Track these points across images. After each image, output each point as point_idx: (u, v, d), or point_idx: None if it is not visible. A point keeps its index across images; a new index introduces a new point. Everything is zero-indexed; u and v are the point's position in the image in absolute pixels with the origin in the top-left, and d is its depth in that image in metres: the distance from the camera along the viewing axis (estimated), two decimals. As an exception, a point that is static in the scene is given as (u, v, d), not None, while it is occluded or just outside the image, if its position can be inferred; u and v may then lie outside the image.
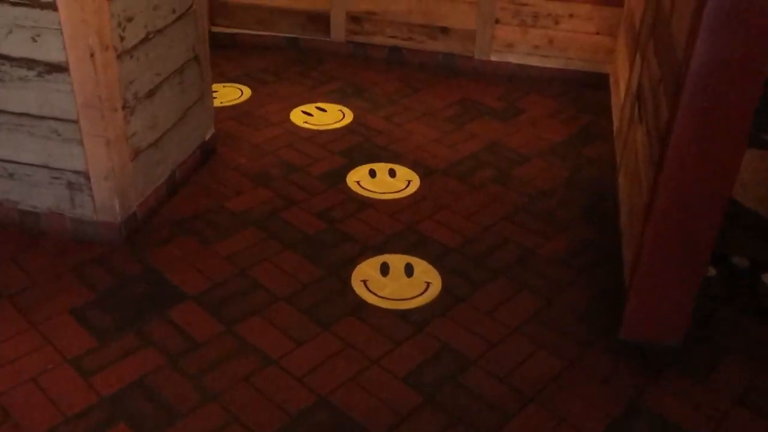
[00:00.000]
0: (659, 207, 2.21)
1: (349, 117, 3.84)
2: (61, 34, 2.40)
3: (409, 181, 3.28)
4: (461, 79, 4.32)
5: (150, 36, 2.73)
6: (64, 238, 2.79)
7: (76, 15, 2.36)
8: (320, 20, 4.49)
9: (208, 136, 3.34)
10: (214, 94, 3.98)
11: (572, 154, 3.57)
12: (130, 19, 2.58)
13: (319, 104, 3.96)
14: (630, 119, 3.07)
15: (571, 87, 4.25)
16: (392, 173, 3.34)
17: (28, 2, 2.38)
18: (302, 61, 4.48)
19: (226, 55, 4.53)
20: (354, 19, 4.43)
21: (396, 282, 2.65)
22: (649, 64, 2.75)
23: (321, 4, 4.44)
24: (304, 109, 3.89)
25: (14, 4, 2.40)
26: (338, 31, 4.49)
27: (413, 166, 3.40)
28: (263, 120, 3.77)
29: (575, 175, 3.38)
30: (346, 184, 3.23)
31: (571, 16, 4.13)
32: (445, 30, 4.34)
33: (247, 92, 4.08)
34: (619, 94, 3.66)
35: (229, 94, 4.04)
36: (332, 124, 3.75)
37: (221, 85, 4.14)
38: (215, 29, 4.62)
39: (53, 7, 2.37)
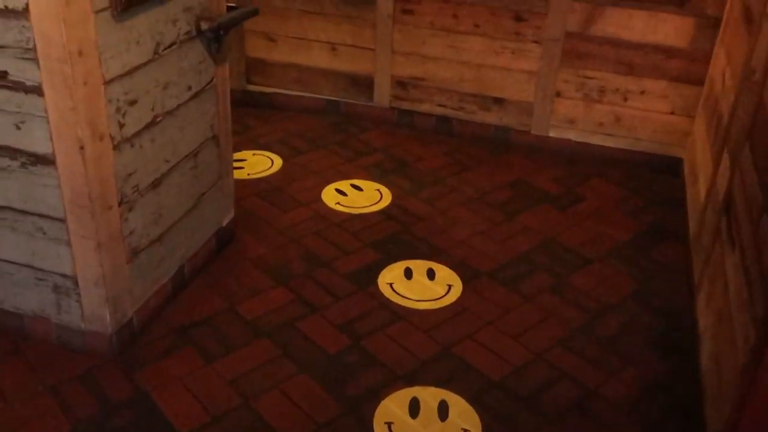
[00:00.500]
0: (766, 381, 1.73)
1: (387, 198, 3.43)
2: (47, 122, 2.06)
3: (449, 286, 2.84)
4: (515, 156, 3.88)
5: (158, 119, 2.37)
6: (49, 344, 2.43)
7: (64, 102, 2.01)
8: (363, 83, 4.12)
9: (225, 222, 2.96)
10: (242, 164, 3.64)
11: (640, 257, 3.09)
12: (132, 103, 2.23)
13: (355, 181, 3.57)
14: (715, 233, 2.59)
15: (639, 171, 3.78)
16: (431, 274, 2.91)
17: (11, 84, 2.04)
18: (341, 127, 4.11)
19: (261, 115, 4.19)
20: (400, 84, 4.05)
21: (427, 428, 2.20)
22: (745, 177, 2.28)
23: (365, 67, 4.07)
24: (338, 187, 3.50)
25: (-4, 87, 2.06)
26: (382, 96, 4.11)
27: (456, 266, 2.96)
28: (292, 199, 3.39)
29: (644, 287, 2.90)
30: (377, 286, 2.82)
31: (642, 92, 3.68)
32: (499, 101, 3.93)
33: (278, 162, 3.71)
34: (698, 190, 3.18)
35: (258, 165, 3.68)
36: (368, 207, 3.35)
37: (251, 152, 3.79)
38: (251, 87, 4.29)
39: (39, 91, 2.02)
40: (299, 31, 4.08)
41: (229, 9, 2.70)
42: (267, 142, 3.91)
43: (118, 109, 2.17)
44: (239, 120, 4.08)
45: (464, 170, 3.73)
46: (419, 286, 2.83)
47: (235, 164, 3.53)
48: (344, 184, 3.53)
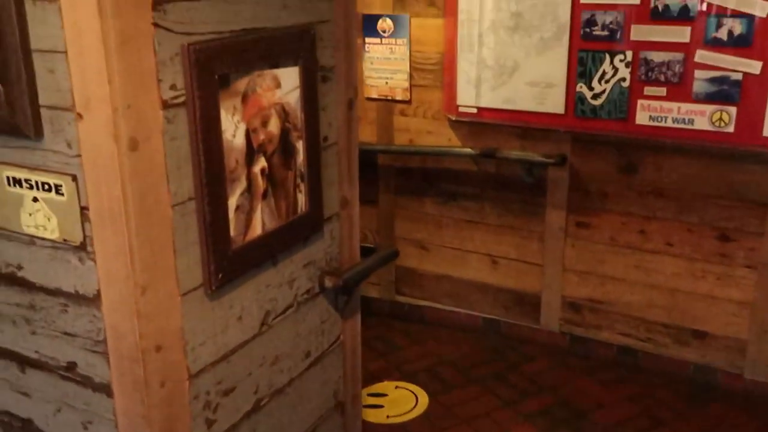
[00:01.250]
0: None
1: (555, 467, 2.72)
2: (116, 427, 1.63)
3: None
4: (723, 407, 3.05)
5: (262, 403, 1.89)
6: None
7: (134, 408, 1.57)
8: (528, 302, 3.52)
9: (348, 504, 2.38)
10: (382, 401, 3.12)
11: None
12: (228, 392, 1.77)
13: (516, 437, 2.90)
14: None
15: None
16: None
17: (79, 378, 1.65)
18: (501, 353, 3.49)
19: (410, 331, 3.67)
20: (572, 306, 3.41)
21: None
22: None
23: (530, 284, 3.48)
24: (494, 446, 2.85)
25: (64, 378, 1.68)
26: (550, 319, 3.47)
27: None
28: (435, 461, 2.77)
29: None
30: None
31: None
32: (700, 334, 3.16)
33: (424, 401, 3.13)
34: None
35: (399, 404, 3.11)
36: (530, 480, 2.66)
37: (393, 384, 3.25)
38: (400, 298, 3.82)
39: (107, 391, 1.61)
40: (455, 240, 3.60)
41: (364, 250, 2.25)
42: (413, 370, 3.35)
43: (207, 405, 1.71)
44: (384, 336, 3.59)
45: (657, 427, 2.94)
46: None
47: (374, 401, 3.03)
48: (502, 442, 2.87)
